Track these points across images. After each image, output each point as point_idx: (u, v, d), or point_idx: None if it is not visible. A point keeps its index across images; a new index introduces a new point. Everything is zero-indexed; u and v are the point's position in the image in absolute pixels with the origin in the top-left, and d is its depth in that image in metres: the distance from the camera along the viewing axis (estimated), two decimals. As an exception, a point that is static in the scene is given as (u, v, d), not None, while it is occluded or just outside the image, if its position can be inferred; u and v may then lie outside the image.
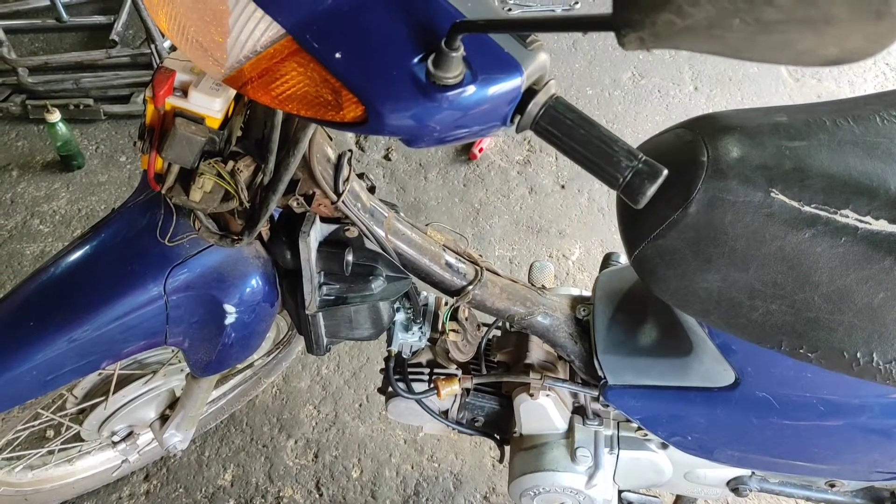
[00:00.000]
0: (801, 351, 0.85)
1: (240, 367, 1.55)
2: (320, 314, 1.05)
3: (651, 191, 0.64)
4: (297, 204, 0.94)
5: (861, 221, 0.79)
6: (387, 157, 2.31)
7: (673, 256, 0.87)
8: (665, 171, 0.64)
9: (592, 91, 2.57)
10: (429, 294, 1.21)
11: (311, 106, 0.67)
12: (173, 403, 1.36)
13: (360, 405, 1.75)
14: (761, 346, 0.88)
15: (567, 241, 2.12)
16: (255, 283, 1.01)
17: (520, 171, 2.30)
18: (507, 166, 2.31)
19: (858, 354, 0.82)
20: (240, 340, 1.07)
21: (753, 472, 1.21)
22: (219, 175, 0.86)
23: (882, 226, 0.78)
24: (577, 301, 1.16)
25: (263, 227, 1.00)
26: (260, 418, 1.72)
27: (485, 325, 1.24)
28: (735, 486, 1.21)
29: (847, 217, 0.79)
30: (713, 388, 1.01)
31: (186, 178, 0.87)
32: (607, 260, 1.32)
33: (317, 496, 1.61)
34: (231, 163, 0.86)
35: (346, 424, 1.72)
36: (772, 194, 0.80)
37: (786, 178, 0.80)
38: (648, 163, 0.64)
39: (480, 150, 2.31)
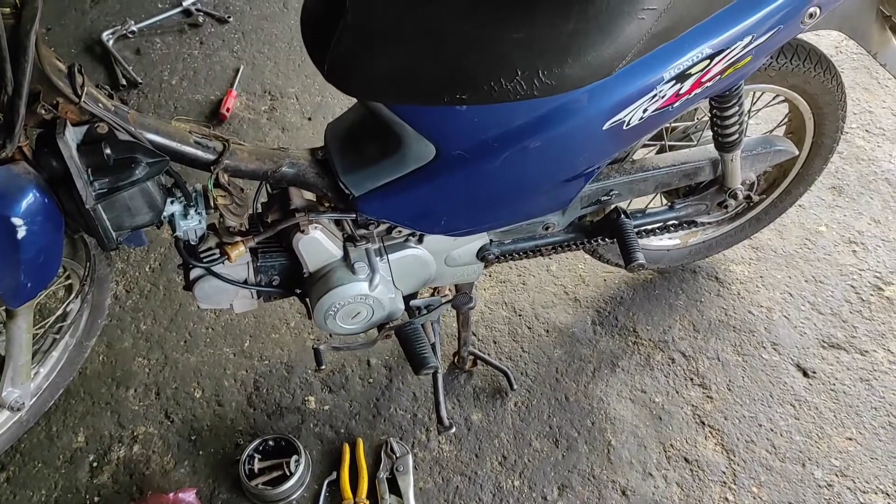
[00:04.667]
0: (458, 97, 1.16)
1: (55, 335, 1.66)
2: (100, 208, 1.22)
3: None
4: (46, 111, 1.12)
5: None
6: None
7: (352, 57, 1.15)
8: None
9: (313, 38, 2.84)
10: (196, 185, 1.42)
11: None
12: (1, 366, 1.47)
13: (185, 342, 1.92)
14: (433, 105, 1.18)
15: (327, 160, 2.38)
16: (34, 195, 1.16)
17: (268, 117, 2.54)
18: (256, 117, 2.54)
19: (492, 83, 1.14)
20: (38, 256, 1.22)
21: (491, 240, 1.54)
22: (-36, 97, 1.04)
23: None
24: (314, 149, 1.42)
25: (24, 145, 1.17)
26: (95, 383, 1.85)
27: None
28: (482, 255, 1.53)
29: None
30: (425, 165, 1.30)
31: (-62, 107, 1.03)
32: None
33: (169, 423, 1.77)
34: (-29, 82, 1.04)
35: (176, 361, 1.89)
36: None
37: None
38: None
39: (228, 109, 2.52)
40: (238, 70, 2.68)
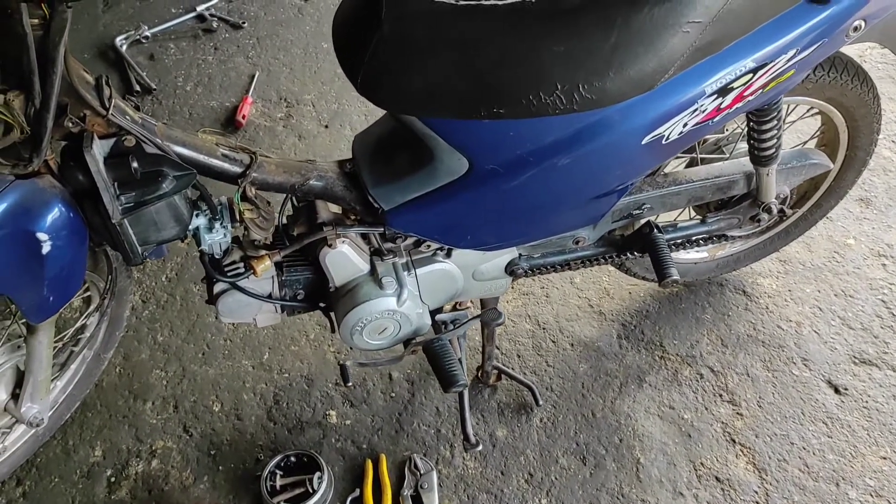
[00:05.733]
0: (495, 111, 1.13)
1: (73, 348, 1.63)
2: (126, 222, 1.19)
3: None
4: (73, 124, 1.09)
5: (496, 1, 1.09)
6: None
7: (387, 71, 1.12)
8: None
9: (327, 45, 2.82)
10: (221, 198, 1.39)
11: None
12: (21, 381, 1.44)
13: (203, 353, 1.89)
14: (469, 118, 1.15)
15: (344, 168, 2.35)
16: (59, 210, 1.13)
17: (285, 125, 2.51)
18: (272, 124, 2.51)
19: (531, 97, 1.12)
20: (62, 272, 1.19)
21: (520, 254, 1.50)
22: (-6, 109, 1.01)
23: (509, -3, 1.08)
24: (342, 161, 1.39)
25: (50, 158, 1.14)
26: (112, 396, 1.82)
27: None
28: (511, 269, 1.50)
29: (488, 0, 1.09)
30: (457, 179, 1.27)
31: (-37, 119, 1.00)
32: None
33: (187, 438, 1.74)
34: (0, 96, 1.01)
35: (195, 373, 1.85)
36: (434, -1, 1.08)
37: None
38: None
39: (244, 117, 2.49)
40: (253, 76, 2.65)
